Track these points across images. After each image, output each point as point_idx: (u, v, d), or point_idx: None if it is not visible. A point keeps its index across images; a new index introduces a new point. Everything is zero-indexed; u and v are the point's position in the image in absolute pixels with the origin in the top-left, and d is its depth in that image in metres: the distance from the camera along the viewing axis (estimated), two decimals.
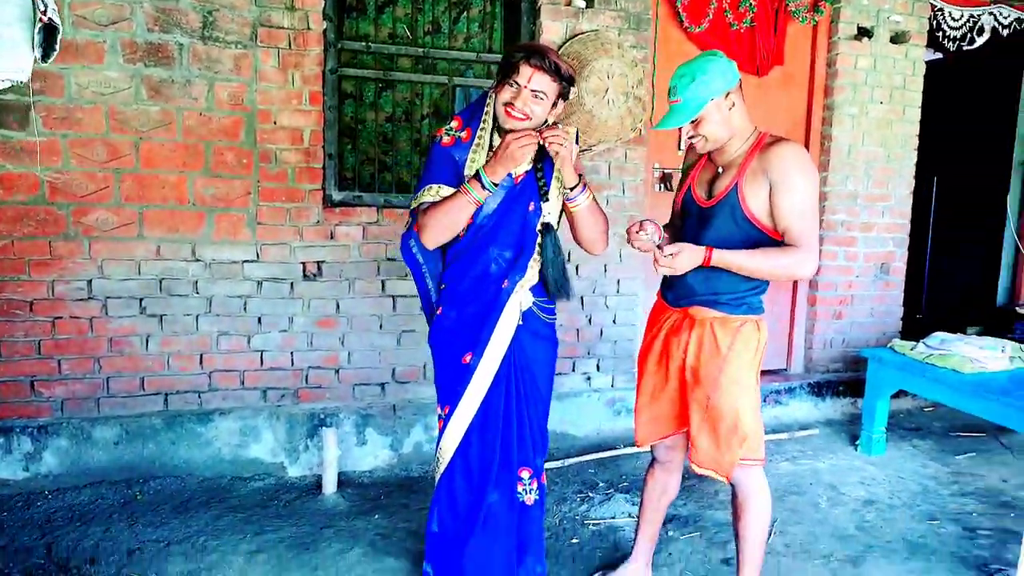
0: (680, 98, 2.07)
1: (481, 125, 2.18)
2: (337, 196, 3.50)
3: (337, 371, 3.50)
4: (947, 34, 4.47)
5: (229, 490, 3.19)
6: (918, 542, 2.91)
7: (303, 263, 3.39)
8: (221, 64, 3.17)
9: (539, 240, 2.20)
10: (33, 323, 3.09)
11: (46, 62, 1.47)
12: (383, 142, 3.66)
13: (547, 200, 2.18)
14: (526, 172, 2.17)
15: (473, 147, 2.16)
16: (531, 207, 2.16)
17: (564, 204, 2.20)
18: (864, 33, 4.21)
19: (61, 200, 3.05)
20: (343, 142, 3.56)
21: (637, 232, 2.09)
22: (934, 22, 4.43)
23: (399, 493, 3.24)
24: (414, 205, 2.19)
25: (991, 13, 4.51)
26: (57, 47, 1.45)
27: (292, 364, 3.43)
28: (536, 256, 2.20)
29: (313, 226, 3.39)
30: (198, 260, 3.26)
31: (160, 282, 3.22)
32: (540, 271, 2.22)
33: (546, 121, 2.14)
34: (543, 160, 2.16)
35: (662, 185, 4.13)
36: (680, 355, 2.22)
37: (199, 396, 3.33)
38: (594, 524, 3.00)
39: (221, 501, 3.08)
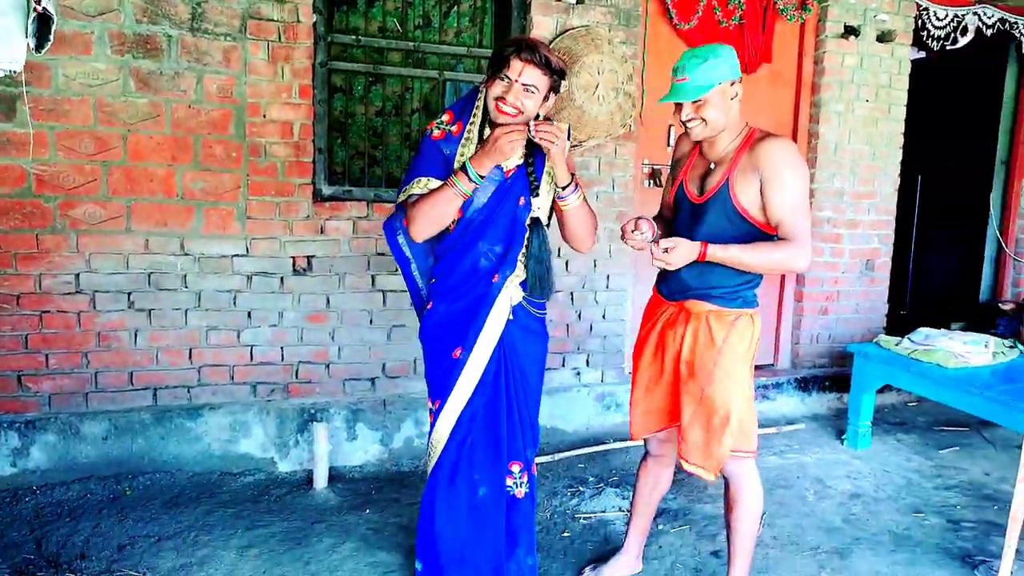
0: (688, 77, 2.08)
1: (471, 119, 2.18)
2: (327, 190, 3.49)
3: (327, 366, 3.49)
4: (932, 33, 4.52)
5: (219, 485, 3.18)
6: (903, 534, 2.95)
7: (293, 257, 3.38)
8: (210, 56, 3.15)
9: (528, 235, 2.20)
10: (20, 317, 3.06)
11: (40, 52, 1.45)
12: (373, 136, 3.65)
13: (537, 195, 2.18)
14: (517, 167, 2.17)
15: (463, 141, 2.16)
16: (521, 202, 2.16)
17: (555, 202, 2.21)
18: (851, 32, 4.25)
19: (48, 193, 3.02)
20: (333, 136, 3.55)
21: (632, 231, 2.11)
22: (919, 21, 4.48)
23: (390, 488, 3.24)
24: (402, 198, 2.18)
25: (975, 13, 4.56)
26: (51, 37, 1.43)
27: (282, 359, 3.42)
28: (525, 250, 2.21)
29: (303, 220, 3.37)
30: (187, 254, 3.24)
31: (148, 276, 3.20)
32: (526, 267, 2.22)
33: (537, 116, 2.14)
34: (534, 155, 2.17)
35: (651, 181, 4.15)
36: (676, 348, 2.24)
37: (188, 391, 3.31)
38: (584, 518, 3.02)
39: (211, 496, 3.07)
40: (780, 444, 3.86)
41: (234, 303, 3.32)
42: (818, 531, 2.96)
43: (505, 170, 2.16)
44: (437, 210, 2.09)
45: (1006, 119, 5.09)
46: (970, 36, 4.57)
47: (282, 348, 3.41)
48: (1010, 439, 3.97)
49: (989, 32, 4.62)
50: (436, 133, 2.18)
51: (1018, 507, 2.52)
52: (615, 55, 3.71)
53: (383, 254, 3.49)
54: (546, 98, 2.12)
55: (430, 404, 2.27)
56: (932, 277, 5.72)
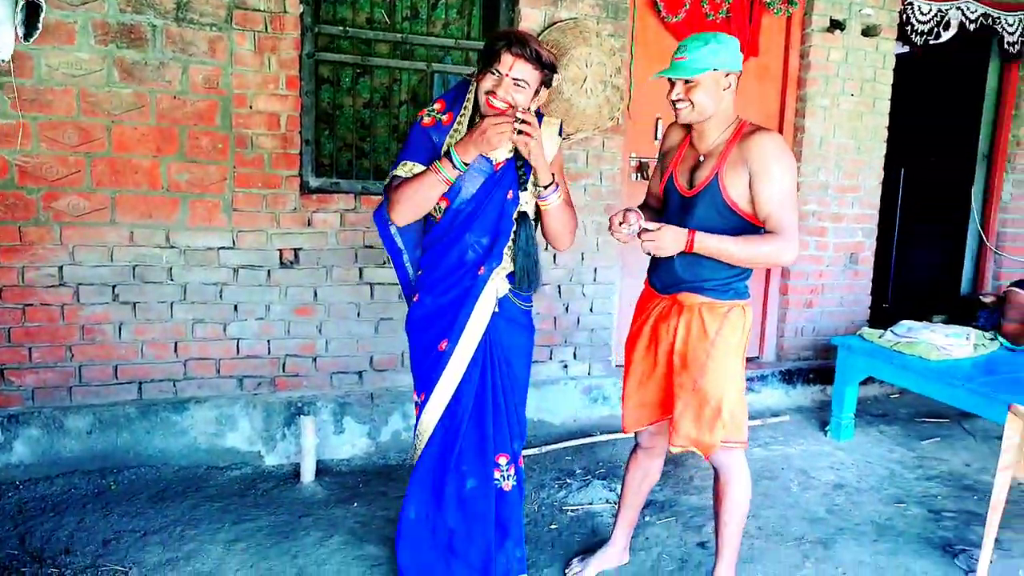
0: (686, 56, 2.09)
1: (462, 111, 2.18)
2: (314, 182, 3.47)
3: (314, 359, 3.48)
4: (916, 28, 4.55)
5: (206, 479, 3.17)
6: (886, 524, 2.99)
7: (280, 250, 3.36)
8: (196, 47, 3.12)
9: (515, 228, 2.20)
10: (2, 310, 3.02)
11: (28, 41, 1.44)
12: (361, 128, 3.63)
13: (525, 189, 2.19)
14: (506, 160, 2.17)
15: (451, 131, 2.16)
16: (509, 195, 2.16)
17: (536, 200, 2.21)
18: (836, 26, 4.27)
19: (31, 184, 2.98)
20: (320, 128, 3.53)
21: (620, 224, 2.11)
22: (904, 16, 4.51)
23: (378, 481, 3.24)
24: (387, 181, 2.19)
25: (958, 8, 4.60)
26: (40, 26, 1.42)
27: (269, 352, 3.40)
28: (511, 243, 2.21)
29: (290, 213, 3.35)
30: (172, 247, 3.21)
31: (133, 269, 3.17)
32: (514, 259, 2.23)
33: (528, 109, 2.14)
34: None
35: (639, 174, 4.16)
36: (669, 341, 2.25)
37: (174, 385, 3.29)
38: (572, 510, 3.03)
39: (198, 490, 3.06)
40: (765, 436, 3.90)
41: (220, 296, 3.30)
42: (802, 521, 3.00)
43: (495, 162, 2.16)
44: (420, 194, 2.09)
45: (988, 113, 5.15)
46: (953, 31, 4.60)
47: (269, 341, 3.40)
48: (990, 430, 4.03)
49: (972, 27, 4.65)
50: (426, 120, 2.18)
51: (998, 497, 2.56)
52: (603, 48, 3.71)
53: (371, 247, 3.48)
54: (537, 92, 2.12)
55: (416, 397, 2.28)
56: (914, 270, 5.78)
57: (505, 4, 3.69)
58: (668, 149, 2.38)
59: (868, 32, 4.36)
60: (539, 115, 2.18)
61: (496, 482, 2.27)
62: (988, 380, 3.24)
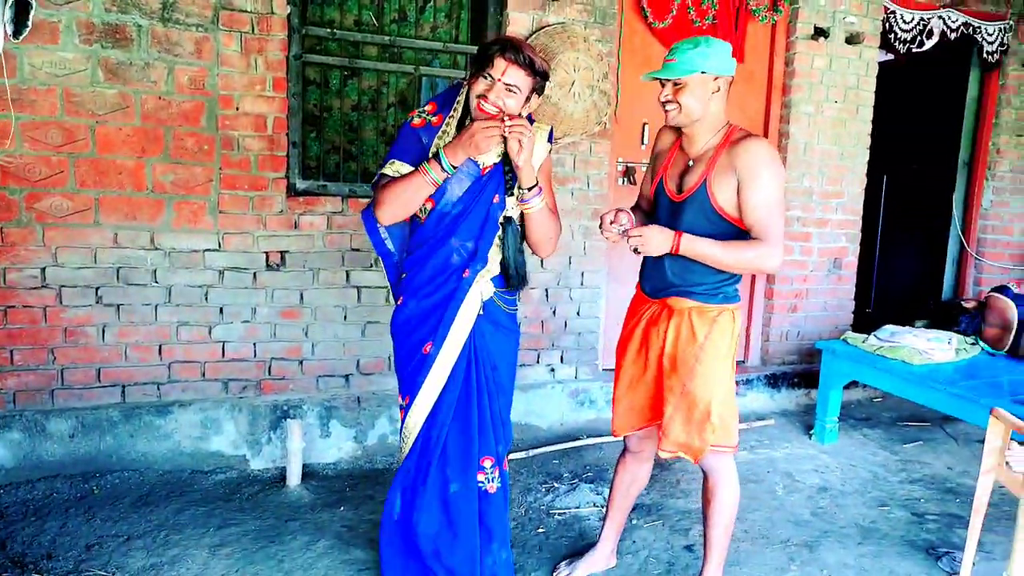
0: (676, 58, 2.12)
1: (451, 113, 2.19)
2: (301, 185, 3.46)
3: (301, 362, 3.46)
4: (899, 36, 4.61)
5: (190, 483, 3.13)
6: (870, 527, 3.02)
7: (266, 253, 3.34)
8: (181, 47, 3.10)
9: (500, 232, 2.21)
10: None
11: (18, 39, 1.42)
12: (348, 131, 3.62)
13: (512, 194, 2.19)
14: (494, 164, 2.17)
15: (440, 133, 2.16)
16: (496, 199, 2.17)
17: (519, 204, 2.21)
18: (820, 33, 4.32)
19: (13, 185, 2.94)
20: (307, 130, 3.51)
21: (611, 223, 2.12)
22: (887, 24, 4.57)
23: (364, 485, 3.23)
24: (374, 180, 2.20)
25: (940, 17, 4.67)
26: (29, 23, 1.40)
27: (255, 355, 3.38)
28: (497, 246, 2.22)
29: (276, 215, 3.34)
30: (157, 248, 3.18)
31: (117, 271, 3.14)
32: (501, 262, 2.23)
33: (520, 115, 2.14)
34: None
35: (626, 179, 4.18)
36: (659, 345, 2.26)
37: (158, 388, 3.25)
38: (559, 514, 3.03)
39: (182, 495, 3.03)
40: (750, 439, 3.92)
41: (205, 298, 3.27)
42: (787, 524, 3.02)
43: (482, 166, 2.16)
44: (407, 195, 2.10)
45: (969, 121, 5.21)
46: (935, 39, 4.67)
47: (255, 344, 3.37)
48: (971, 434, 4.08)
49: (953, 36, 4.72)
50: (416, 121, 2.20)
51: (980, 500, 2.59)
52: (591, 53, 3.72)
53: (358, 250, 3.46)
54: (528, 99, 2.13)
55: (401, 400, 2.28)
56: (896, 276, 5.84)
57: (493, 8, 3.69)
58: (659, 152, 2.40)
59: (852, 40, 4.41)
60: (530, 120, 2.18)
61: (481, 484, 2.27)
62: (969, 384, 3.27)
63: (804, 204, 4.47)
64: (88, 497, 2.96)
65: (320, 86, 3.52)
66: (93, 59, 2.98)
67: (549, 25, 3.69)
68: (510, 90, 2.06)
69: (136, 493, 3.01)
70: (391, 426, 3.57)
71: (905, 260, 5.74)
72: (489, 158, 2.16)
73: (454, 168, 2.07)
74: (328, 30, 3.46)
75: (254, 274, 3.32)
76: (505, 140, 2.05)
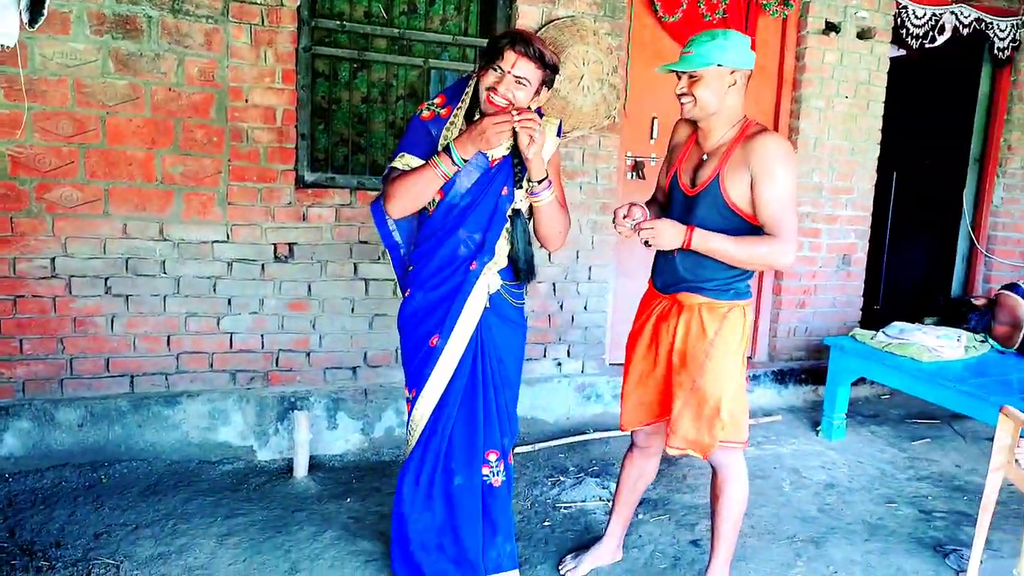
0: (692, 50, 2.10)
1: (459, 104, 2.19)
2: (310, 177, 3.46)
3: (308, 354, 3.46)
4: (910, 31, 4.58)
5: (198, 474, 3.15)
6: (877, 524, 3.01)
7: (274, 244, 3.34)
8: (191, 39, 3.10)
9: (507, 225, 2.21)
10: None
11: (33, 27, 1.42)
12: (357, 123, 3.62)
13: (521, 187, 2.19)
14: (503, 156, 2.17)
15: (448, 124, 2.16)
16: (504, 191, 2.17)
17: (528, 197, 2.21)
18: (832, 28, 4.29)
19: (23, 175, 2.95)
20: (315, 122, 3.51)
21: (624, 217, 2.11)
22: (899, 19, 4.54)
23: (371, 477, 3.23)
24: (384, 173, 2.20)
25: (953, 12, 4.63)
26: (45, 11, 1.40)
27: (262, 347, 3.39)
28: (505, 239, 2.22)
29: (285, 207, 3.34)
30: (166, 239, 3.19)
31: (126, 261, 3.15)
32: (509, 255, 2.23)
33: (529, 108, 2.14)
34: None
35: (634, 173, 4.17)
36: (669, 340, 2.25)
37: (166, 378, 3.27)
38: (565, 507, 3.03)
39: (190, 484, 3.04)
40: (758, 435, 3.91)
41: (214, 290, 3.28)
42: (794, 520, 3.01)
43: (491, 159, 2.16)
44: (417, 188, 2.10)
45: (980, 118, 5.18)
46: (947, 35, 4.64)
47: (262, 336, 3.38)
48: (979, 431, 4.06)
49: (965, 31, 4.69)
50: (425, 114, 2.20)
51: (989, 498, 2.58)
52: (600, 46, 3.71)
53: (366, 242, 3.47)
54: (538, 92, 2.13)
55: (407, 392, 2.28)
56: (905, 272, 5.82)
57: (503, 1, 3.68)
58: (675, 144, 2.37)
59: (863, 35, 4.38)
60: (539, 114, 2.18)
61: (486, 478, 2.27)
62: (979, 382, 3.26)
63: (814, 200, 4.45)
64: (96, 486, 2.97)
65: (329, 78, 3.52)
66: (104, 50, 2.98)
67: (558, 18, 3.68)
68: (520, 83, 2.06)
69: (144, 482, 3.03)
70: (398, 418, 3.57)
71: (914, 256, 5.71)
72: (498, 151, 2.16)
73: (464, 161, 2.07)
74: (337, 22, 3.45)
75: (262, 266, 3.33)
76: (515, 133, 2.04)
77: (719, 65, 2.07)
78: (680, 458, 3.50)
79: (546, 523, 2.90)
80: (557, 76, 2.22)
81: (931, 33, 4.63)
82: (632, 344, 2.40)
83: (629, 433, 2.51)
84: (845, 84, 4.42)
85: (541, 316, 3.87)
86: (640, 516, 2.95)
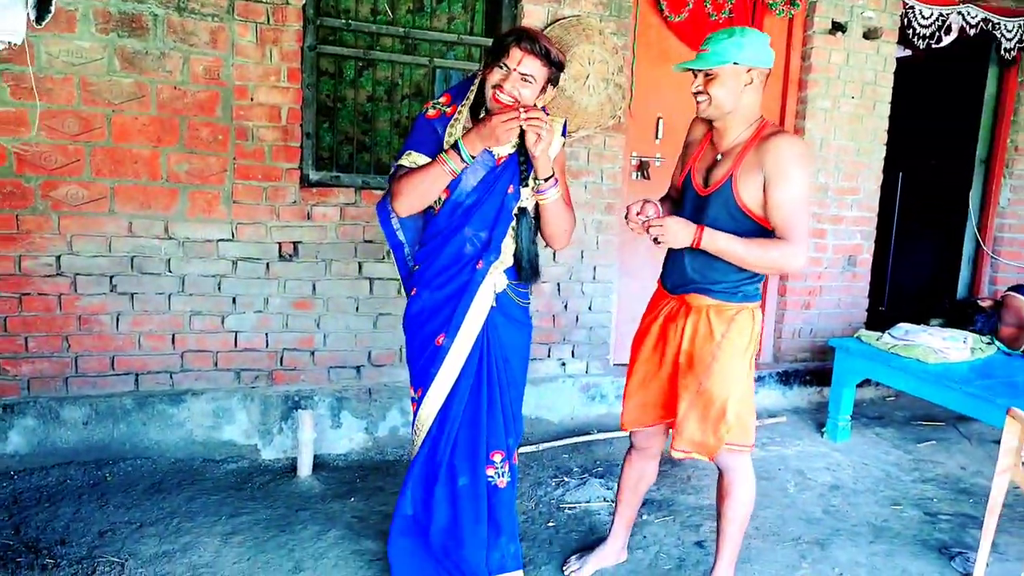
0: (709, 48, 2.07)
1: (464, 101, 2.18)
2: (314, 176, 3.46)
3: (312, 353, 3.46)
4: (917, 32, 4.56)
5: (202, 472, 3.15)
6: (882, 526, 3.00)
7: (279, 243, 3.34)
8: (197, 37, 3.10)
9: (513, 223, 2.20)
10: None
11: (40, 25, 1.42)
12: (362, 122, 3.61)
13: (527, 185, 2.18)
14: (509, 154, 2.17)
15: (452, 121, 2.16)
16: (510, 190, 2.16)
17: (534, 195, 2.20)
18: (838, 28, 4.28)
19: (29, 173, 2.96)
20: (320, 121, 3.51)
21: (637, 214, 2.10)
22: (905, 19, 4.51)
23: (375, 476, 3.23)
24: (391, 172, 2.20)
25: (959, 12, 4.61)
26: (52, 9, 1.40)
27: (267, 345, 3.39)
28: (511, 238, 2.21)
29: (289, 206, 3.34)
30: (171, 238, 3.19)
31: (131, 259, 3.15)
32: (514, 254, 2.23)
33: (535, 106, 2.13)
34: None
35: (639, 173, 4.16)
36: (676, 342, 2.24)
37: (171, 377, 3.27)
38: (570, 508, 3.03)
39: (194, 483, 3.04)
40: (762, 437, 3.90)
41: (219, 288, 3.28)
42: (799, 522, 3.00)
43: (497, 157, 2.16)
44: (425, 185, 2.09)
45: (987, 118, 5.16)
46: (954, 35, 4.61)
47: (267, 334, 3.38)
48: (984, 434, 4.04)
49: (972, 32, 4.67)
50: (431, 112, 2.19)
51: (995, 500, 2.57)
52: (606, 46, 3.70)
53: (370, 241, 3.47)
54: (543, 90, 2.12)
55: (412, 392, 2.27)
56: (911, 274, 5.79)
57: (508, 0, 3.68)
58: (691, 142, 2.35)
59: (869, 35, 4.36)
60: (544, 112, 2.17)
61: (491, 479, 2.26)
62: (985, 384, 3.24)
63: (819, 200, 4.44)
64: (101, 484, 2.98)
65: (334, 77, 3.52)
66: (110, 48, 2.98)
67: (564, 18, 3.67)
68: (526, 80, 2.05)
69: (149, 481, 3.03)
70: (402, 418, 3.57)
71: (920, 258, 5.69)
72: (504, 148, 2.15)
73: (473, 158, 2.07)
74: (343, 21, 3.45)
75: (267, 264, 3.33)
76: (522, 131, 2.04)
77: (735, 63, 2.04)
78: (684, 460, 3.50)
79: (550, 524, 2.89)
80: (562, 75, 2.21)
81: (938, 33, 4.61)
82: (638, 344, 2.39)
83: (629, 434, 2.50)
84: (851, 84, 4.40)
85: (545, 316, 3.86)
86: (644, 517, 2.94)
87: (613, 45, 3.73)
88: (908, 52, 5.11)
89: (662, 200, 2.37)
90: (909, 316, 4.43)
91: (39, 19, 1.42)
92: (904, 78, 4.77)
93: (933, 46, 4.64)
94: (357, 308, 3.50)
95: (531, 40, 2.04)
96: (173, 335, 3.25)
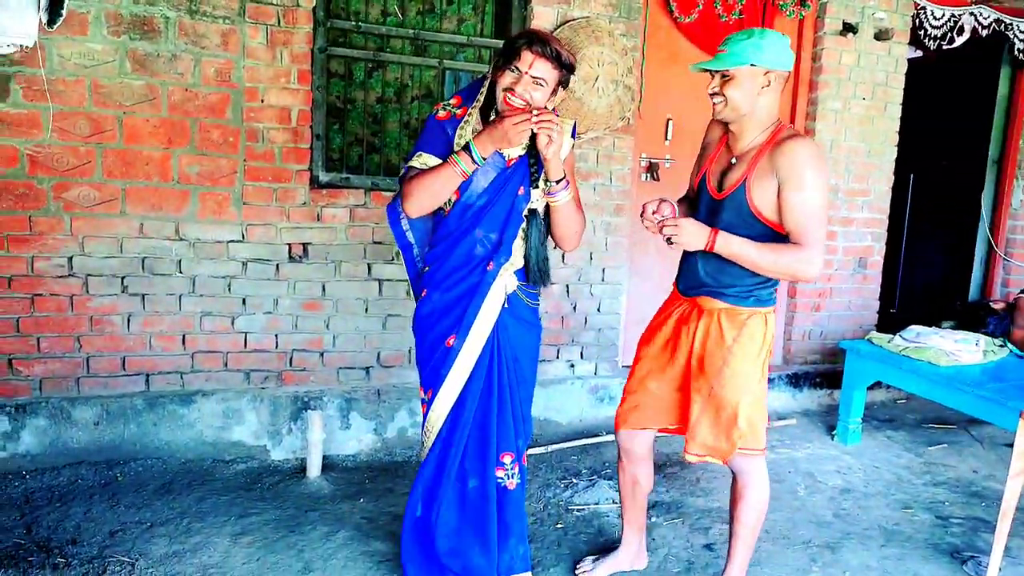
0: (727, 49, 2.05)
1: (474, 102, 2.19)
2: (324, 177, 3.47)
3: (322, 354, 3.47)
4: (929, 32, 4.54)
5: (212, 472, 3.16)
6: (893, 529, 2.98)
7: (289, 244, 3.35)
8: (208, 39, 3.11)
9: (524, 225, 2.20)
10: (11, 300, 3.02)
11: (52, 28, 1.43)
12: (372, 124, 3.62)
13: (537, 187, 2.18)
14: (519, 156, 2.17)
15: (462, 123, 2.16)
16: (521, 191, 2.16)
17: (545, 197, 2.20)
18: (849, 29, 4.26)
19: (42, 174, 2.98)
20: (330, 123, 3.52)
21: (653, 213, 2.09)
22: (917, 20, 4.49)
23: (384, 477, 3.24)
24: (401, 173, 2.20)
25: (972, 13, 4.58)
26: (63, 12, 1.41)
27: (276, 346, 3.40)
28: (521, 240, 2.21)
29: (299, 207, 3.35)
30: (182, 239, 3.21)
31: (143, 260, 3.17)
32: (524, 255, 2.23)
33: (545, 108, 2.13)
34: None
35: (649, 175, 4.15)
36: (688, 344, 2.23)
37: (181, 377, 3.28)
38: (578, 510, 3.02)
39: (204, 483, 3.05)
40: (772, 439, 3.88)
41: (229, 289, 3.29)
42: (809, 525, 2.98)
43: (507, 158, 2.16)
44: (436, 186, 2.09)
45: (999, 119, 5.12)
46: (966, 36, 4.58)
47: (276, 335, 3.39)
48: (996, 437, 4.01)
49: (985, 32, 4.64)
50: (441, 114, 2.20)
51: (1008, 504, 2.55)
52: (615, 47, 3.70)
53: (380, 243, 3.47)
54: (554, 92, 2.12)
55: (422, 393, 2.27)
56: (922, 275, 5.76)
57: (518, 2, 3.68)
58: (707, 144, 2.33)
59: (880, 36, 4.34)
60: (555, 115, 2.17)
61: (500, 481, 2.26)
62: (997, 387, 3.21)
63: (830, 202, 4.41)
64: (112, 484, 2.99)
65: (344, 78, 3.53)
66: (121, 50, 3.00)
67: (573, 19, 3.67)
68: (537, 83, 2.05)
69: (159, 481, 3.05)
70: (411, 419, 3.57)
71: (932, 259, 5.65)
72: (515, 150, 2.15)
73: (484, 159, 2.07)
74: (353, 23, 3.46)
75: (277, 266, 3.34)
76: (533, 133, 2.04)
77: (753, 65, 2.02)
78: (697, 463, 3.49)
79: (559, 525, 2.89)
80: (572, 77, 2.21)
81: (949, 34, 4.58)
82: (645, 341, 2.36)
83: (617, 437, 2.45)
84: (862, 85, 4.38)
85: (554, 317, 3.86)
86: (653, 519, 2.93)
87: (622, 47, 3.73)
88: (919, 53, 5.08)
89: (679, 201, 2.35)
90: (920, 318, 4.40)
91: (51, 22, 1.43)
92: (915, 79, 4.74)
93: (945, 47, 4.61)
94: (366, 309, 3.51)
95: (542, 43, 2.04)
96: (184, 336, 3.26)
